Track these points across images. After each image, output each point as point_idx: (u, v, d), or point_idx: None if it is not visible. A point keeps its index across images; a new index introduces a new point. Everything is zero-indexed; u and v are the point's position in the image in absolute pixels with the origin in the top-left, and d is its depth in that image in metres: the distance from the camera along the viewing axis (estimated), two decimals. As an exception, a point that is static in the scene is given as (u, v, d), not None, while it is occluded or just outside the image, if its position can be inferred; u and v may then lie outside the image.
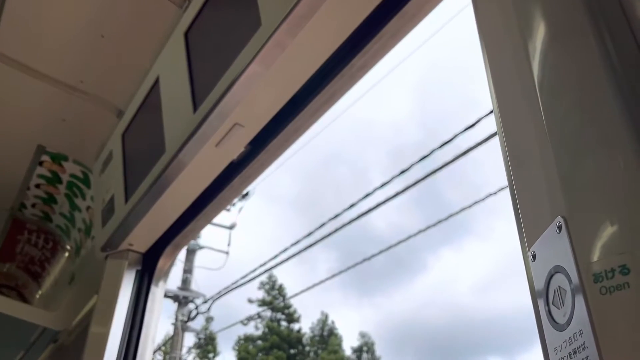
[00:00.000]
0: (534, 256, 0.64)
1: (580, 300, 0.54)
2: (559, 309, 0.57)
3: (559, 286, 0.58)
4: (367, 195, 9.60)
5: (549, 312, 0.59)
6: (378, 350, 38.65)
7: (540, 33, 0.74)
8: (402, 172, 8.63)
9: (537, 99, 0.70)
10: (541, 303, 0.61)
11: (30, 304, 3.99)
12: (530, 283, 0.65)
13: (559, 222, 0.59)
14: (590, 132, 0.61)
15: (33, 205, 3.24)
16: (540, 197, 0.64)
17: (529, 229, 0.66)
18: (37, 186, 3.07)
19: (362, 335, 38.39)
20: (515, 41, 0.78)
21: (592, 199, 0.56)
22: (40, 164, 2.88)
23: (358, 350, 36.70)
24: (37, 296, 3.88)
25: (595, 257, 0.53)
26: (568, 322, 0.55)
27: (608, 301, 0.51)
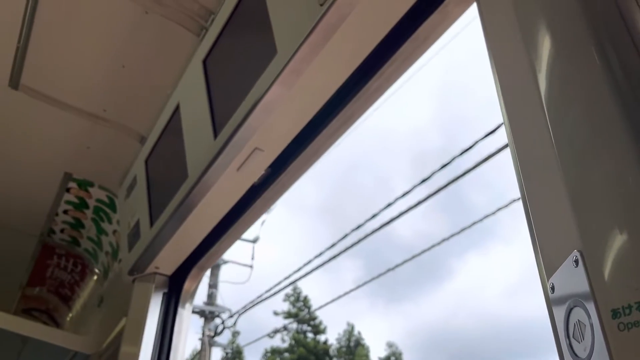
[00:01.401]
0: (552, 288, 0.64)
1: (599, 336, 0.54)
2: (579, 342, 0.58)
3: (578, 320, 0.58)
4: (389, 205, 9.57)
5: (570, 346, 0.59)
6: (406, 360, 38.26)
7: (545, 48, 0.75)
8: (423, 180, 8.59)
9: (544, 115, 0.71)
10: (562, 335, 0.61)
11: (61, 326, 4.07)
12: (550, 313, 0.65)
13: (576, 256, 0.60)
14: (602, 155, 0.61)
15: (62, 231, 3.32)
16: (557, 229, 0.65)
17: (547, 260, 0.67)
18: (65, 212, 3.15)
19: (390, 345, 38.04)
20: (521, 56, 0.79)
21: (606, 234, 0.57)
22: (68, 190, 2.96)
23: (386, 360, 36.39)
24: (68, 319, 3.96)
25: (612, 292, 0.54)
26: (589, 357, 0.56)
27: (627, 338, 0.51)
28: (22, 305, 3.98)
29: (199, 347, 18.42)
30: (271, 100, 1.53)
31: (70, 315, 3.94)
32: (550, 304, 0.65)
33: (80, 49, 2.17)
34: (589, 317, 0.56)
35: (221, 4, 1.87)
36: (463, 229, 10.85)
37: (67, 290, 3.86)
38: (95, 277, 3.48)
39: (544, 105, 0.72)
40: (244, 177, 1.85)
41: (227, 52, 1.83)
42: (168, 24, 2.03)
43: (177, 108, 2.12)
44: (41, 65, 2.21)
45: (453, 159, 8.11)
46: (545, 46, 0.75)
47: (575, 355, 0.58)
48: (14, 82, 2.27)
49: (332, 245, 11.97)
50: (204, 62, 1.94)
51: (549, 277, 0.66)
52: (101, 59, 2.19)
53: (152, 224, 2.25)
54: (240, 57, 1.73)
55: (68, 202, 3.05)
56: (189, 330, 2.57)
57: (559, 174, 0.66)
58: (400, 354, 37.24)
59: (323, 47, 1.34)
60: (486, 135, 7.15)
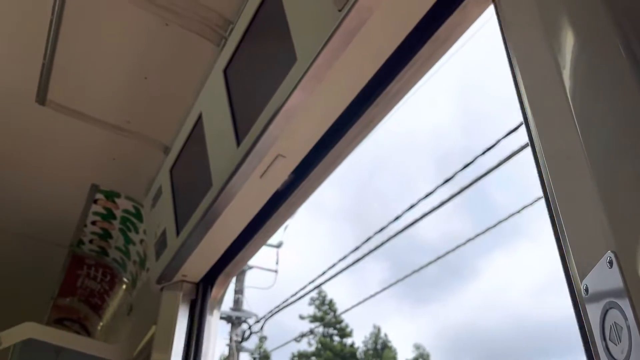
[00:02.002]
0: (586, 290, 0.63)
1: (637, 337, 0.53)
2: (616, 345, 0.57)
3: (614, 322, 0.57)
4: (412, 206, 9.52)
5: (607, 348, 0.58)
6: (434, 362, 37.89)
7: (569, 43, 0.74)
8: (446, 180, 8.52)
9: (570, 112, 0.70)
10: (598, 337, 0.60)
11: (92, 335, 4.14)
12: (584, 315, 0.64)
13: (610, 257, 0.59)
14: (632, 151, 0.60)
15: (90, 241, 3.38)
16: (588, 230, 0.64)
17: (579, 262, 0.66)
18: (93, 223, 3.21)
19: (417, 346, 37.75)
20: (544, 53, 0.77)
21: None
22: (95, 201, 3.01)
23: (413, 363, 36.09)
24: (99, 328, 4.03)
25: None
26: (626, 359, 0.55)
27: None
28: (54, 315, 4.06)
29: (226, 352, 18.54)
30: (292, 107, 1.54)
31: (101, 324, 4.00)
32: (583, 305, 0.65)
33: (103, 63, 2.21)
34: (626, 318, 0.55)
35: (240, 13, 1.89)
36: (488, 229, 10.73)
37: (97, 300, 3.92)
38: (124, 286, 3.53)
39: (570, 102, 0.71)
40: (267, 184, 1.86)
41: (247, 60, 1.85)
42: (188, 35, 2.06)
43: (200, 117, 2.15)
44: (66, 80, 2.26)
45: (476, 158, 8.03)
46: (569, 41, 0.74)
47: (612, 357, 0.58)
48: (41, 98, 2.33)
49: (356, 248, 11.95)
50: (225, 71, 1.96)
51: (581, 278, 0.65)
52: (124, 72, 2.23)
53: (178, 232, 2.28)
54: (260, 65, 1.75)
55: (96, 213, 3.11)
56: (217, 336, 2.59)
57: (588, 173, 0.65)
58: (427, 355, 36.94)
59: (343, 53, 1.35)
60: (508, 134, 7.06)
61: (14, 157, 2.74)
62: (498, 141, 7.24)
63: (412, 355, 36.97)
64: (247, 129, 1.72)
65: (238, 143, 1.79)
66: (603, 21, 0.69)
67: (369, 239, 11.36)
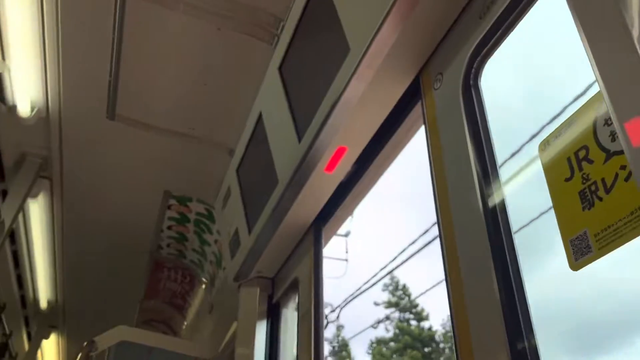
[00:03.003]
0: None
1: None
2: None
3: None
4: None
5: None
6: (517, 340, 36.85)
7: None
8: (513, 154, 8.22)
9: None
10: None
11: (178, 334, 4.34)
12: None
13: None
14: None
15: (168, 245, 3.55)
16: None
17: None
18: (169, 228, 3.36)
19: (497, 326, 36.79)
20: (617, 25, 0.74)
21: None
22: (169, 207, 3.15)
23: (495, 342, 35.29)
24: (184, 327, 4.22)
25: None
26: None
27: None
28: (142, 317, 4.29)
29: (305, 343, 18.83)
30: (350, 97, 1.54)
31: (186, 323, 4.19)
32: None
33: (164, 75, 2.30)
34: None
35: (289, 10, 1.90)
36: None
37: (180, 300, 4.11)
38: (203, 286, 3.68)
39: None
40: (331, 177, 1.87)
41: (301, 56, 1.86)
42: (240, 37, 2.10)
43: (260, 117, 2.19)
44: (132, 94, 2.37)
45: (542, 128, 7.70)
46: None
47: None
48: (111, 113, 2.45)
49: (425, 232, 11.80)
50: (280, 69, 1.98)
51: None
52: (184, 81, 2.31)
53: (250, 230, 2.34)
54: (314, 58, 1.75)
55: (171, 218, 3.25)
56: (295, 328, 2.64)
57: None
58: (509, 334, 35.95)
59: (395, 38, 1.33)
60: (575, 100, 6.71)
61: (93, 173, 2.91)
62: (565, 108, 6.89)
63: (493, 335, 36.12)
64: (307, 124, 1.74)
65: (299, 138, 1.81)
66: None
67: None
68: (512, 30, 1.16)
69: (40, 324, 4.83)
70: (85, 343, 2.65)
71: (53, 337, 5.13)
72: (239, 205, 2.47)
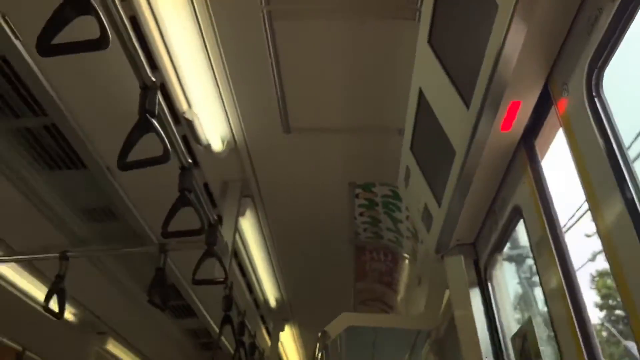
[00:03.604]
0: None
1: None
2: None
3: None
4: None
5: None
6: None
7: None
8: None
9: None
10: None
11: (393, 308, 4.57)
12: None
13: None
14: None
15: (365, 230, 3.75)
16: None
17: None
18: (361, 214, 3.55)
19: None
20: None
21: None
22: (357, 196, 3.34)
23: None
24: (398, 301, 4.42)
25: None
26: None
27: None
28: (358, 298, 4.61)
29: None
30: (510, 51, 1.49)
31: (399, 297, 4.38)
32: None
33: (323, 80, 2.45)
34: None
35: None
36: None
37: (388, 277, 4.32)
38: (406, 261, 3.81)
39: None
40: (509, 135, 1.81)
41: (447, 23, 1.83)
42: (384, 22, 2.14)
43: (421, 92, 2.20)
44: (300, 106, 2.57)
45: None
46: None
47: None
48: (285, 127, 2.68)
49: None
50: (429, 41, 1.97)
51: None
52: (342, 81, 2.43)
53: (439, 203, 2.36)
54: (461, 23, 1.72)
55: (360, 206, 3.44)
56: (506, 285, 2.61)
57: None
58: None
59: None
60: None
61: (283, 182, 3.21)
62: None
63: None
64: (472, 88, 1.71)
65: (467, 105, 1.78)
66: None
67: None
68: (623, 37, 1.14)
69: (275, 319, 5.46)
70: (319, 334, 2.94)
71: (287, 329, 5.76)
72: (422, 181, 2.51)
